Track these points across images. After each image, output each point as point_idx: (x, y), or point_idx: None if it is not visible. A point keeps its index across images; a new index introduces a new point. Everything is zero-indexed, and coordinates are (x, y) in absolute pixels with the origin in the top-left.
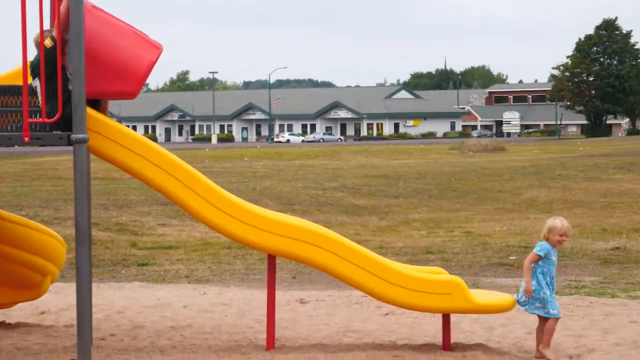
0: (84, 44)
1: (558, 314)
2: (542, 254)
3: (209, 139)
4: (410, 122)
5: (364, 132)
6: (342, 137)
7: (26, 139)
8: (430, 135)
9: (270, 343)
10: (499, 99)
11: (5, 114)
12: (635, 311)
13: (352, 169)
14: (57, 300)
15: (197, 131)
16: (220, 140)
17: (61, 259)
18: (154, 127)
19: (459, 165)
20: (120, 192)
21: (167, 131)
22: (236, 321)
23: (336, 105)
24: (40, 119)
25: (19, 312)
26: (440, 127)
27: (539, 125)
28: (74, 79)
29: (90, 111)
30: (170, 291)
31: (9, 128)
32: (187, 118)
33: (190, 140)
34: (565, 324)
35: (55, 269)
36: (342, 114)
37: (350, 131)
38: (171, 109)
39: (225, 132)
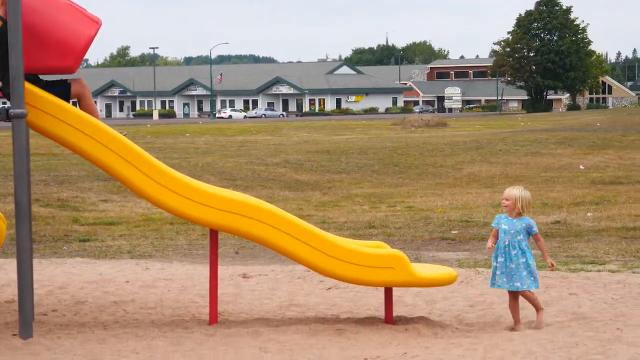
0: (21, 19)
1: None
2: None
3: (150, 115)
4: (352, 98)
5: (306, 107)
6: (284, 113)
7: None
8: (372, 111)
9: (213, 317)
10: (441, 75)
11: None
12: (574, 284)
13: (294, 144)
14: None
15: (138, 107)
16: (161, 116)
17: (1, 234)
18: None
19: (401, 140)
20: (61, 168)
21: (108, 107)
22: (179, 296)
23: (278, 81)
24: None
25: None
26: (382, 103)
27: (480, 100)
28: (12, 53)
29: (28, 86)
30: (113, 267)
31: None
32: (128, 94)
33: (131, 117)
34: (506, 297)
35: None
36: (284, 89)
37: (292, 107)
38: (112, 84)
39: (167, 108)
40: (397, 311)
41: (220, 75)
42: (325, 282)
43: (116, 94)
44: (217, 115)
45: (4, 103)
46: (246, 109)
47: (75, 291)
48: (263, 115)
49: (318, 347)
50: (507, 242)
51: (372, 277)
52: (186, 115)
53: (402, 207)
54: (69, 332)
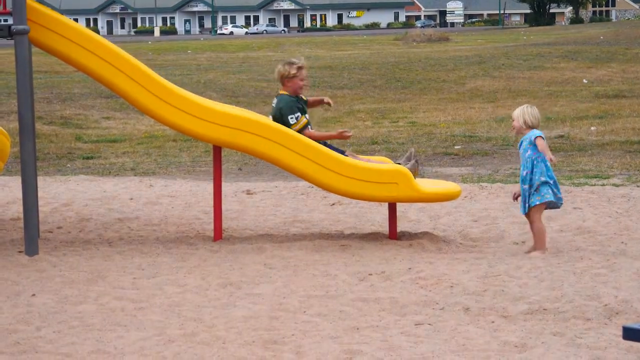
0: None
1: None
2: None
3: (151, 32)
4: (354, 13)
5: (307, 23)
6: (285, 29)
7: None
8: (374, 26)
9: (218, 234)
10: None
11: None
12: (579, 198)
13: None
14: (3, 194)
15: (139, 24)
16: (162, 33)
17: (5, 152)
18: (95, 20)
19: (403, 55)
20: (64, 86)
21: (109, 24)
22: (183, 213)
23: None
24: None
25: None
26: (384, 18)
27: (483, 14)
28: None
29: (30, 2)
30: (116, 184)
31: None
32: (129, 11)
33: (132, 33)
34: (510, 211)
35: None
36: (285, 5)
37: (293, 23)
38: (112, 1)
39: (168, 24)
40: (401, 227)
41: None
42: (329, 198)
43: (117, 10)
44: (219, 31)
45: (5, 20)
46: (247, 25)
47: (79, 208)
48: (264, 32)
49: (322, 263)
50: (521, 165)
51: (375, 193)
52: (187, 31)
53: (405, 123)
54: (74, 249)
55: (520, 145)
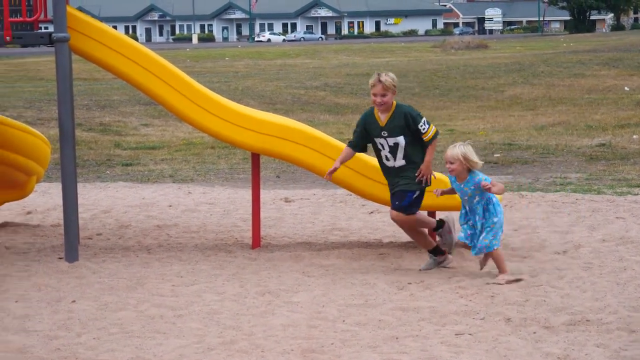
0: None
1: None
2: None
3: (189, 39)
4: (392, 20)
5: (345, 30)
6: (323, 36)
7: (7, 38)
8: (412, 33)
9: (256, 241)
10: None
11: None
12: (621, 207)
13: (334, 67)
14: (44, 200)
15: (177, 31)
16: (200, 40)
17: (46, 158)
18: (134, 27)
19: (441, 63)
20: (103, 93)
21: (148, 31)
22: (221, 220)
23: (317, 4)
24: (21, 18)
25: (5, 212)
26: (422, 25)
27: (522, 21)
28: None
29: (71, 9)
30: (155, 191)
31: None
32: (168, 18)
33: (170, 41)
34: (551, 220)
35: (40, 168)
36: (323, 12)
37: (331, 30)
38: (151, 8)
39: (206, 32)
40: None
41: (255, 0)
42: (368, 206)
43: (156, 18)
44: (256, 38)
45: (45, 28)
46: (285, 32)
47: (119, 215)
48: (302, 39)
49: (361, 271)
50: (467, 208)
51: None
52: (225, 39)
53: (444, 130)
54: (113, 255)
55: (458, 188)
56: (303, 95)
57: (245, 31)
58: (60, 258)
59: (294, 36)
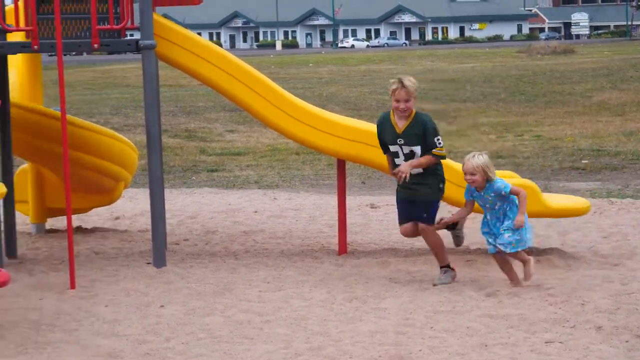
0: None
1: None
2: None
3: (273, 46)
4: (476, 26)
5: (428, 36)
6: (406, 42)
7: (95, 45)
8: (497, 38)
9: (342, 247)
10: (567, 0)
11: (75, 21)
12: None
13: (418, 73)
14: (131, 206)
15: (261, 38)
16: (284, 46)
17: (133, 165)
18: (218, 34)
19: (527, 68)
20: (188, 99)
21: (232, 38)
22: (307, 226)
23: (400, 10)
24: (109, 26)
25: (94, 218)
26: (507, 30)
27: (609, 26)
28: None
29: (157, 17)
30: (241, 197)
31: (78, 35)
32: (251, 24)
33: (254, 47)
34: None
35: (127, 174)
36: (407, 18)
37: (414, 35)
38: (235, 15)
39: (290, 38)
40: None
41: (339, 7)
42: (454, 212)
43: (240, 24)
44: (340, 44)
45: (131, 35)
46: (368, 38)
47: (205, 221)
48: (385, 45)
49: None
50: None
51: None
52: (309, 45)
53: (530, 136)
54: (200, 261)
55: (479, 198)
56: (387, 101)
57: (328, 37)
58: (148, 263)
59: (378, 42)
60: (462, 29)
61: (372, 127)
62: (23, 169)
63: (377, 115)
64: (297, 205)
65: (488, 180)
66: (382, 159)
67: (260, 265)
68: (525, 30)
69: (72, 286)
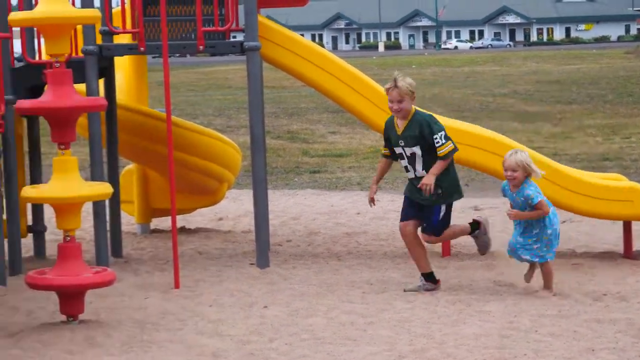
0: None
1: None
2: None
3: (375, 47)
4: (582, 27)
5: (533, 37)
6: (511, 43)
7: (200, 47)
8: (604, 39)
9: (446, 250)
10: None
11: (180, 23)
12: None
13: (522, 74)
14: (235, 207)
15: (363, 39)
16: (387, 48)
17: (237, 166)
18: (320, 36)
19: (635, 69)
20: (291, 101)
21: (334, 39)
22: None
23: (505, 11)
24: (214, 27)
25: (198, 218)
26: (614, 31)
27: None
28: None
29: (261, 18)
30: (343, 198)
31: (184, 37)
32: (354, 26)
33: (357, 49)
34: None
35: (231, 175)
36: (511, 19)
37: (519, 37)
38: (338, 17)
39: (392, 39)
40: (637, 246)
41: (443, 8)
42: (559, 215)
43: (342, 26)
44: (443, 46)
45: (233, 37)
46: (472, 39)
47: (307, 222)
48: (489, 46)
49: (554, 281)
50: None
51: (610, 211)
52: (411, 46)
53: (638, 139)
54: (303, 262)
55: (511, 197)
56: (491, 103)
57: (431, 39)
58: (251, 264)
59: (482, 43)
60: (567, 30)
61: (474, 129)
62: (128, 169)
63: (480, 117)
64: (399, 207)
65: (529, 176)
66: (485, 160)
67: (363, 267)
68: (634, 31)
69: (177, 286)
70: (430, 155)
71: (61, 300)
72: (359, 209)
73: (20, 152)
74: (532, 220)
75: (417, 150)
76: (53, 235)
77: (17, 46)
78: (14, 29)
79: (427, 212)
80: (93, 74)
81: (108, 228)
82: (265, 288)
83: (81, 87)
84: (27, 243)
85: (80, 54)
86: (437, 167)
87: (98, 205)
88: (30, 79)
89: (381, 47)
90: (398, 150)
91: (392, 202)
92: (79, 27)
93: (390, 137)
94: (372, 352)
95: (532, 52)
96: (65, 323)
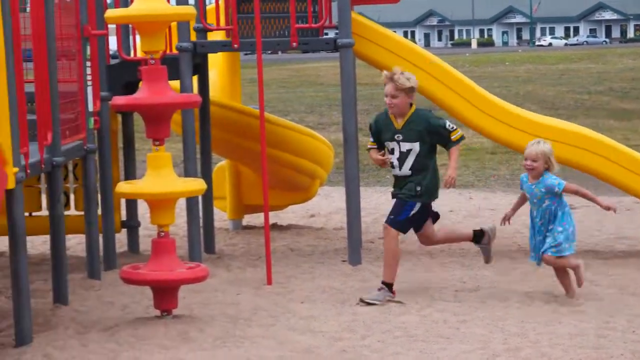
0: None
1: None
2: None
3: (468, 44)
4: None
5: (630, 34)
6: (607, 40)
7: (294, 44)
8: None
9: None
10: None
11: (273, 20)
12: None
13: (619, 72)
14: (326, 204)
15: (456, 36)
16: (480, 44)
17: (329, 162)
18: (412, 33)
19: None
20: (383, 98)
21: (426, 36)
22: (504, 226)
23: (601, 7)
24: (307, 24)
25: (290, 215)
26: None
27: None
28: None
29: (355, 15)
30: None
31: (277, 34)
32: (447, 23)
33: (449, 46)
34: None
35: (323, 172)
36: (607, 15)
37: (615, 33)
38: (430, 14)
39: (485, 36)
40: None
41: (537, 4)
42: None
43: (434, 23)
44: (537, 43)
45: (325, 34)
46: (567, 36)
47: None
48: (585, 43)
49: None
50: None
51: None
52: (505, 43)
53: None
54: None
55: (528, 189)
56: (586, 100)
57: (525, 35)
58: (343, 261)
59: (577, 40)
60: None
61: (573, 127)
62: (221, 166)
63: (575, 115)
64: (493, 205)
65: (547, 169)
66: (581, 159)
67: (455, 264)
68: None
69: (269, 282)
70: (425, 157)
71: (155, 295)
72: (452, 207)
73: (115, 148)
74: (555, 213)
75: (415, 146)
76: (146, 231)
77: (113, 43)
78: (109, 26)
79: (398, 205)
80: (187, 71)
81: (201, 224)
82: (358, 285)
83: (175, 83)
84: (121, 238)
85: (175, 51)
86: (454, 158)
87: (191, 201)
88: (125, 75)
89: (474, 44)
90: (391, 145)
91: (485, 200)
92: (173, 24)
93: (382, 131)
94: (465, 350)
95: (629, 48)
96: (159, 318)
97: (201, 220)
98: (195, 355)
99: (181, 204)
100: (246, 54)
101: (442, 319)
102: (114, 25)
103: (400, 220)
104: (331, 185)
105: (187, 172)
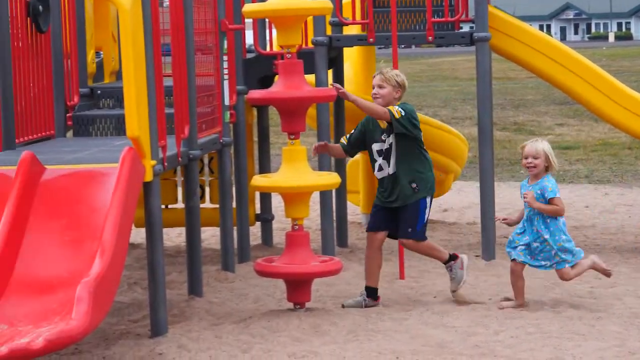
0: None
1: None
2: None
3: (605, 38)
4: None
5: None
6: None
7: (430, 38)
8: None
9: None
10: None
11: (408, 14)
12: None
13: None
14: (459, 199)
15: (593, 29)
16: (617, 38)
17: (463, 157)
18: (548, 26)
19: None
20: (517, 92)
21: (562, 30)
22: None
23: None
24: (443, 18)
25: None
26: None
27: None
28: None
29: (491, 9)
30: (571, 191)
31: (412, 28)
32: (583, 16)
33: (586, 39)
34: None
35: (457, 167)
36: None
37: None
38: (566, 7)
39: (623, 30)
40: None
41: None
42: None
43: (571, 16)
44: None
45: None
46: None
47: None
48: None
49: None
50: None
51: None
52: None
53: None
54: None
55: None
56: None
57: None
58: (477, 256)
59: None
60: None
61: None
62: (355, 160)
63: None
64: (630, 201)
65: (548, 169)
66: None
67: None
68: None
69: (402, 276)
70: (405, 151)
71: (289, 288)
72: (587, 203)
73: (250, 142)
74: (539, 219)
75: (392, 140)
76: (280, 224)
77: (249, 37)
78: (245, 20)
79: (406, 216)
80: (322, 65)
81: (334, 218)
82: (491, 280)
83: (310, 77)
84: (255, 231)
85: (310, 45)
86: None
87: (325, 195)
88: (261, 69)
89: (611, 38)
90: (377, 146)
91: (621, 196)
92: (309, 18)
93: (367, 132)
94: (601, 347)
95: None
96: (292, 310)
97: (334, 214)
98: (328, 349)
99: (315, 197)
100: (380, 48)
101: (577, 316)
102: (250, 20)
103: (418, 230)
104: (464, 180)
105: (322, 166)
